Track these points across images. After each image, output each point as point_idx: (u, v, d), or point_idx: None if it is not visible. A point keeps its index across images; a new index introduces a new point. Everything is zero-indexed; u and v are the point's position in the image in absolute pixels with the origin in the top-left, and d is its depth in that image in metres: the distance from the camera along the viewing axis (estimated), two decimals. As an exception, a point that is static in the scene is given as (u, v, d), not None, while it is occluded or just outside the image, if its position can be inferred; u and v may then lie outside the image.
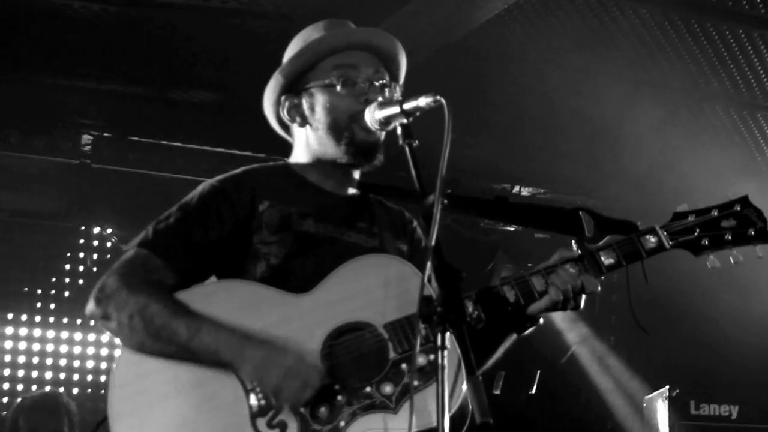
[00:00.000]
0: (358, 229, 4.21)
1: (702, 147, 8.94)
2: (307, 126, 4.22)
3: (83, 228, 9.68)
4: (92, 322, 4.02)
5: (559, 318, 10.97)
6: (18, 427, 7.62)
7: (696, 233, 4.15)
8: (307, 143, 4.24)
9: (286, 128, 4.35)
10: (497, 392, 10.93)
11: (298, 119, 4.23)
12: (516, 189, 10.05)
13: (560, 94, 8.16)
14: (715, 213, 4.20)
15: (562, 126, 8.69)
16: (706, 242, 4.15)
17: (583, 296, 4.08)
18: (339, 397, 3.80)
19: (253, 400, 3.80)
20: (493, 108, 8.62)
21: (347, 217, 4.21)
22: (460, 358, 3.44)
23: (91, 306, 3.94)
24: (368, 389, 3.82)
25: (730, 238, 4.16)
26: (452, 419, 3.52)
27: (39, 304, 10.07)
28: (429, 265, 3.40)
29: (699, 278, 9.53)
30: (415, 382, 3.79)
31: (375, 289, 3.95)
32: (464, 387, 3.64)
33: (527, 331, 4.21)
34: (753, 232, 4.17)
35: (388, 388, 3.82)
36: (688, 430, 9.09)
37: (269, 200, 4.10)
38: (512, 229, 10.38)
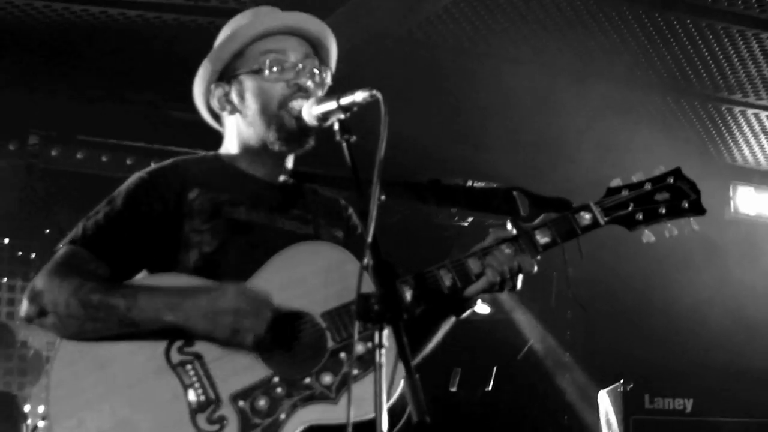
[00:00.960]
0: (292, 216, 4.17)
1: (644, 134, 8.97)
2: (237, 114, 4.18)
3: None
4: (29, 325, 3.95)
5: (517, 315, 10.99)
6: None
7: (630, 207, 4.13)
8: (237, 131, 4.20)
9: (216, 118, 4.31)
10: (453, 389, 10.93)
11: (228, 107, 4.19)
12: (469, 183, 10.02)
13: (511, 86, 8.16)
14: (649, 186, 4.18)
15: (514, 117, 8.69)
16: (641, 216, 4.14)
17: (521, 277, 4.06)
18: (278, 389, 3.76)
19: (192, 396, 3.75)
20: (445, 101, 8.62)
21: (280, 205, 4.16)
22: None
23: (24, 307, 3.88)
24: (308, 380, 3.78)
25: (664, 211, 4.14)
26: (393, 410, 3.52)
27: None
28: (365, 261, 3.37)
29: (653, 271, 9.60)
30: (355, 371, 3.76)
31: (311, 277, 3.91)
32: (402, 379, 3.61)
33: (465, 314, 4.18)
34: (687, 204, 4.16)
35: (327, 378, 3.79)
36: (642, 424, 9.10)
37: (199, 188, 4.05)
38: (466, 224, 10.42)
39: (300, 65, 4.11)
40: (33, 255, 9.56)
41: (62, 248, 3.96)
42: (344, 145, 3.62)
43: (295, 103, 4.02)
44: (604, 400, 9.51)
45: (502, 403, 10.93)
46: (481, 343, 10.80)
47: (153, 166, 4.17)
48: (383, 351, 3.20)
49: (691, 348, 9.83)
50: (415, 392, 3.17)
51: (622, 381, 9.31)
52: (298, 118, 4.00)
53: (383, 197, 3.37)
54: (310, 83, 4.07)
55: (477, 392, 10.95)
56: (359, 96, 3.61)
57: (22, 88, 8.38)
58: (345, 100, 3.67)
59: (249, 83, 4.13)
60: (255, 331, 3.72)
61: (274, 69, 4.09)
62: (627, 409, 9.17)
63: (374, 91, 3.55)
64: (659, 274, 9.76)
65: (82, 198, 8.10)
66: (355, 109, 3.68)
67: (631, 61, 8.17)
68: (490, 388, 10.98)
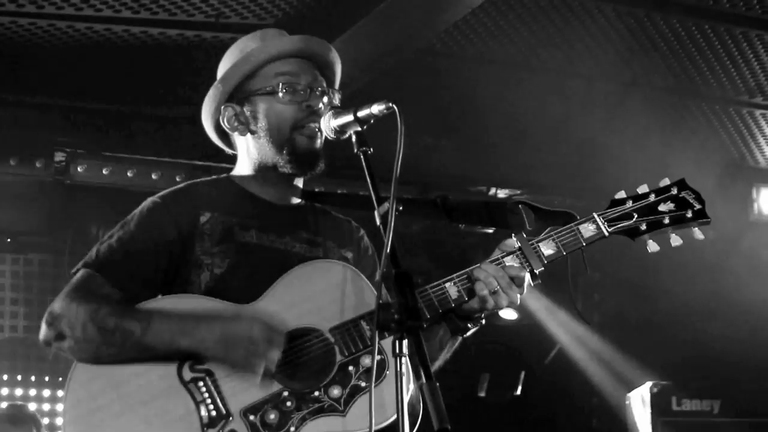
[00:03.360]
0: (301, 239, 4.25)
1: (668, 138, 8.97)
2: (248, 134, 4.25)
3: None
4: (48, 348, 4.04)
5: (543, 315, 10.97)
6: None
7: (634, 218, 4.18)
8: (248, 152, 4.28)
9: (224, 137, 4.39)
10: (482, 395, 10.97)
11: (239, 128, 4.26)
12: (492, 191, 10.07)
13: (525, 95, 8.19)
14: (653, 197, 4.22)
15: (529, 127, 8.71)
16: (644, 227, 4.18)
17: (517, 291, 4.07)
18: (288, 403, 3.84)
19: (204, 411, 3.85)
20: (463, 112, 8.65)
21: (290, 227, 4.25)
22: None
23: (43, 331, 3.98)
24: (316, 393, 3.86)
25: (668, 221, 4.19)
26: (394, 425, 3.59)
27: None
28: (379, 271, 3.46)
29: (681, 273, 9.58)
30: (364, 383, 3.84)
31: (320, 294, 3.99)
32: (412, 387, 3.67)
33: (469, 333, 4.20)
34: (691, 214, 4.20)
35: (336, 391, 3.86)
36: (670, 427, 9.12)
37: (210, 212, 4.15)
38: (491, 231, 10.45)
39: (311, 87, 4.18)
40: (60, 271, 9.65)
41: (78, 274, 4.05)
42: (362, 157, 3.73)
43: (308, 127, 4.11)
44: (632, 403, 9.53)
45: (530, 407, 10.95)
46: (509, 348, 10.85)
47: (166, 190, 4.25)
48: (404, 360, 3.28)
49: (719, 349, 9.81)
50: (435, 398, 3.22)
51: (650, 384, 9.33)
52: (310, 137, 4.10)
53: (401, 208, 3.45)
54: (321, 105, 4.13)
55: (505, 397, 10.98)
56: (376, 108, 3.72)
57: (48, 105, 8.47)
58: (362, 113, 3.77)
59: (262, 104, 4.20)
60: (269, 362, 3.80)
61: (288, 91, 4.16)
62: (655, 411, 9.20)
63: (390, 104, 3.66)
64: (686, 276, 9.75)
65: (108, 213, 8.21)
66: (372, 121, 3.78)
67: (651, 67, 8.19)
68: (518, 392, 11.01)
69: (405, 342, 3.31)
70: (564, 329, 10.97)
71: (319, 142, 4.14)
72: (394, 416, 3.42)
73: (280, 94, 4.15)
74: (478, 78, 8.11)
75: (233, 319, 3.87)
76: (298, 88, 4.17)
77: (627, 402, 9.71)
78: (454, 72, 8.03)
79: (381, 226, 3.54)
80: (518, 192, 10.10)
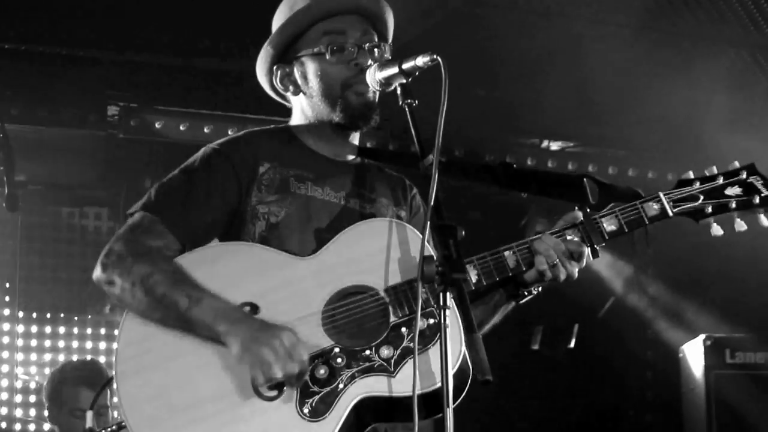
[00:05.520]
0: (356, 195, 4.25)
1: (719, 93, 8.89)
2: (301, 94, 4.24)
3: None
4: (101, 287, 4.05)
5: (602, 266, 10.92)
6: (61, 395, 7.67)
7: (700, 200, 4.13)
8: (302, 109, 4.28)
9: (281, 94, 4.38)
10: (536, 347, 10.96)
11: (291, 88, 4.25)
12: (545, 143, 10.03)
13: (584, 44, 8.14)
14: (721, 180, 4.16)
15: (587, 77, 8.63)
16: (710, 209, 4.12)
17: (575, 265, 4.07)
18: (338, 360, 3.83)
19: None
20: (517, 62, 8.60)
21: (345, 182, 4.25)
22: (460, 324, 3.51)
23: (97, 272, 4.00)
24: (367, 352, 3.85)
25: (734, 205, 4.13)
26: (456, 378, 3.59)
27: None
28: (428, 225, 3.46)
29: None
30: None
31: (377, 253, 3.98)
32: (463, 349, 3.69)
33: (525, 300, 4.21)
34: (758, 200, 4.13)
35: (386, 351, 3.84)
36: (723, 379, 9.09)
37: (269, 162, 4.15)
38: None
39: (359, 44, 4.15)
40: (115, 225, 9.72)
41: (137, 215, 4.06)
42: (407, 109, 3.74)
43: (358, 87, 4.09)
44: (686, 355, 9.51)
45: (584, 360, 10.94)
46: (563, 300, 10.82)
47: (226, 137, 4.27)
48: (447, 313, 3.29)
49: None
50: (477, 350, 3.23)
51: (703, 336, 9.29)
52: (362, 94, 4.09)
53: (444, 159, 3.45)
54: (370, 62, 4.10)
55: (559, 350, 10.97)
56: (420, 61, 3.71)
57: (101, 59, 8.51)
58: (407, 65, 3.77)
59: (311, 65, 4.18)
60: (283, 370, 3.73)
61: (335, 50, 4.13)
62: (708, 364, 9.16)
63: (435, 56, 3.65)
64: (744, 233, 9.66)
65: (161, 167, 8.26)
66: (416, 73, 3.77)
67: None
68: (572, 345, 10.99)
69: (449, 294, 3.32)
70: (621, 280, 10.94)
71: (371, 97, 4.11)
72: (451, 369, 3.40)
73: (327, 56, 4.13)
74: (535, 31, 8.06)
75: (269, 325, 3.81)
76: (346, 46, 4.13)
77: (681, 354, 9.68)
78: (505, 24, 7.98)
79: (425, 178, 3.53)
80: (571, 144, 10.06)
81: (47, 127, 8.79)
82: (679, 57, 8.55)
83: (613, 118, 9.35)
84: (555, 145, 10.05)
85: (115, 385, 3.93)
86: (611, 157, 10.10)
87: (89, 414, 6.70)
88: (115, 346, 4.00)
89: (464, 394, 3.78)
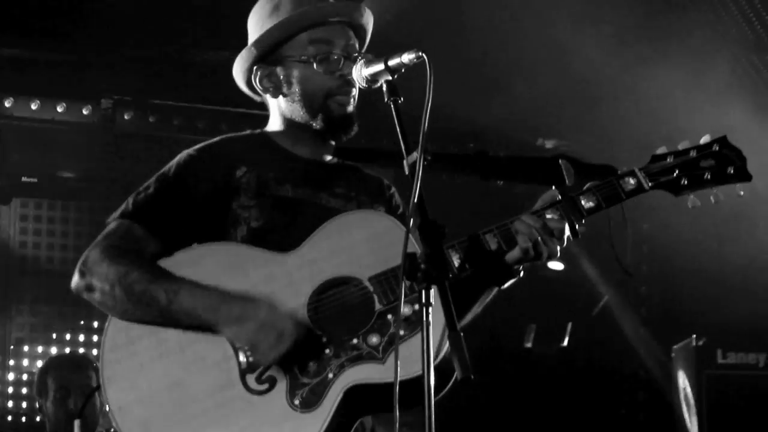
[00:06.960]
0: (336, 194, 4.27)
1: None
2: (281, 96, 4.25)
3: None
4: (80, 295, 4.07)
5: (591, 268, 10.93)
6: (47, 384, 7.68)
7: (675, 173, 4.13)
8: (281, 112, 4.28)
9: (257, 93, 4.37)
10: (529, 345, 10.97)
11: (271, 89, 4.26)
12: (539, 142, 10.03)
13: (571, 44, 8.14)
14: (694, 153, 4.17)
15: (576, 75, 8.64)
16: (686, 182, 4.13)
17: (557, 243, 4.05)
18: (327, 350, 3.86)
19: (242, 357, 3.87)
20: (507, 61, 8.60)
21: (324, 183, 4.26)
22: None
23: (75, 279, 4.02)
24: (355, 341, 3.87)
25: (709, 177, 4.14)
26: (440, 369, 3.60)
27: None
28: (408, 221, 3.46)
29: (728, 226, 9.52)
30: (401, 332, 3.83)
31: (359, 244, 4.00)
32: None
33: (507, 284, 4.20)
34: (732, 171, 4.14)
35: (374, 339, 3.87)
36: (715, 379, 9.09)
37: (246, 166, 4.16)
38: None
39: (344, 54, 4.17)
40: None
41: (114, 222, 4.09)
42: (392, 106, 3.71)
43: (341, 98, 4.14)
44: (678, 355, 9.51)
45: (577, 358, 10.95)
46: (556, 299, 10.83)
47: (201, 143, 4.27)
48: (431, 310, 3.28)
49: (765, 302, 9.73)
50: (459, 348, 3.23)
51: (694, 336, 9.29)
52: (343, 105, 4.14)
53: (429, 158, 3.44)
54: (354, 72, 4.07)
55: (552, 348, 10.97)
56: (406, 58, 3.68)
57: (95, 53, 8.51)
58: (393, 62, 3.73)
59: (295, 71, 4.19)
60: (273, 351, 3.80)
61: (322, 60, 4.16)
62: (700, 364, 9.16)
63: (420, 53, 3.62)
64: (734, 229, 9.67)
65: (153, 160, 8.27)
66: (402, 70, 3.75)
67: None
68: (565, 344, 11.00)
69: (432, 292, 3.31)
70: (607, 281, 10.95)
71: (352, 108, 4.17)
72: (432, 363, 3.40)
73: (315, 65, 4.16)
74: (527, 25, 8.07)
75: (254, 302, 3.87)
76: (332, 56, 4.17)
77: (672, 354, 9.69)
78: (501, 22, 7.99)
79: (410, 176, 3.52)
80: (566, 143, 10.05)
81: (41, 120, 8.78)
82: (679, 55, 8.54)
83: (609, 116, 9.35)
84: (549, 144, 10.04)
85: (102, 391, 3.95)
86: (606, 155, 10.05)
87: (77, 423, 6.75)
88: (100, 352, 4.01)
89: (452, 381, 3.79)
